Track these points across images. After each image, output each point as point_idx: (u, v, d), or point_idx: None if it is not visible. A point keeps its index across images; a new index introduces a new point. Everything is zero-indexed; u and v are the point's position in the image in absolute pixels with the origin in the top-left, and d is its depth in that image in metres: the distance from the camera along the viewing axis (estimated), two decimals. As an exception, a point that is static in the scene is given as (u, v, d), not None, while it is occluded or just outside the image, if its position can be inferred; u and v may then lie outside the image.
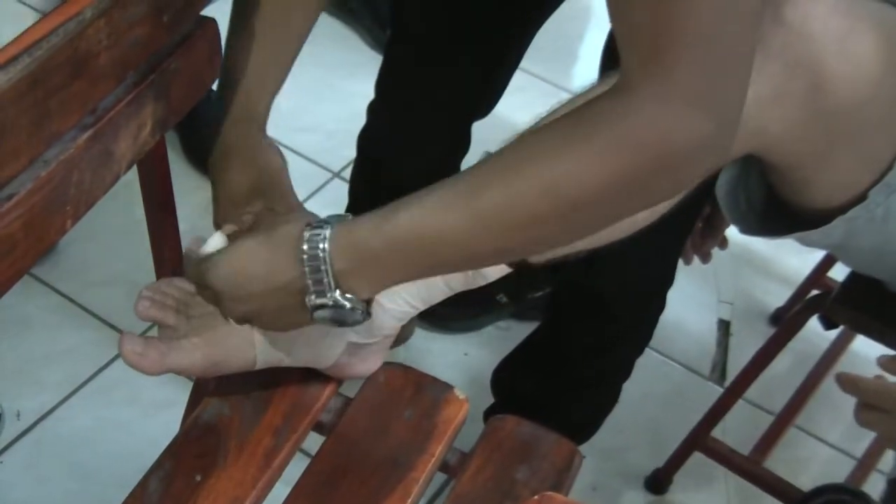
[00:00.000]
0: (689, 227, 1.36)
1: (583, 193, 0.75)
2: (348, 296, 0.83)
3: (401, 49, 1.48)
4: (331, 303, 0.83)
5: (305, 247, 0.82)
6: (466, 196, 0.78)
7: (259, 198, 1.05)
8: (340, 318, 0.84)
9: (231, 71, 1.03)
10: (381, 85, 1.54)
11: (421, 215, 0.79)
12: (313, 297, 0.83)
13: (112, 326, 1.77)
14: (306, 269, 0.82)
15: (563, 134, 0.76)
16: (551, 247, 0.81)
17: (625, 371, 1.53)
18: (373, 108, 1.57)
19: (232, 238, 0.97)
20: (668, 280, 1.40)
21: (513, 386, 1.57)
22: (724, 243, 1.43)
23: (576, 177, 0.75)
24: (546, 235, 0.79)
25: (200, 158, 2.05)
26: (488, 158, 0.79)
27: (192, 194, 1.94)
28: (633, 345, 1.50)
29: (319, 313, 0.84)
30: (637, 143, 0.73)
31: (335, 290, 0.82)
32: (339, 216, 0.84)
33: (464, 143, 1.55)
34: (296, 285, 0.83)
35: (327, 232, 0.82)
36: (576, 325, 1.46)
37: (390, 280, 0.84)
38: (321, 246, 0.81)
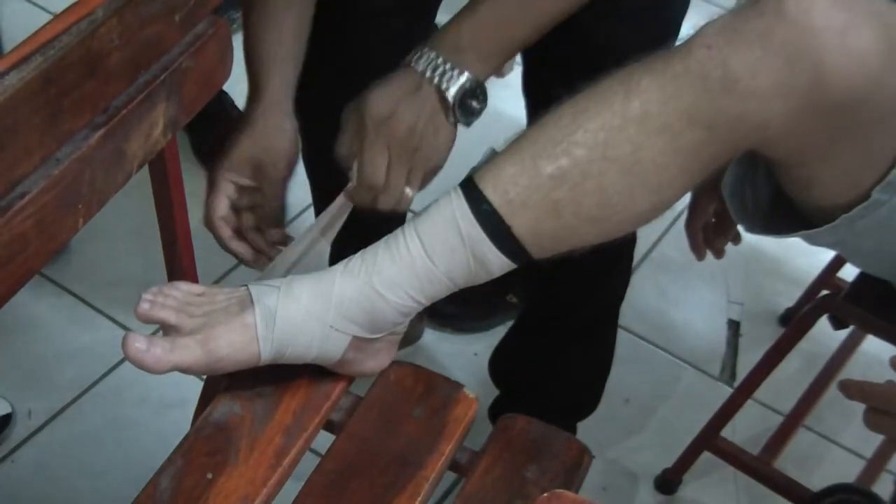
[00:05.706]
0: None
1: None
2: (466, 72, 1.06)
3: None
4: (452, 78, 1.06)
5: (422, 66, 1.06)
6: None
7: (253, 172, 1.17)
8: (467, 102, 1.07)
9: (248, 48, 1.17)
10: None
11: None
12: (438, 80, 1.06)
13: (123, 327, 1.77)
14: (426, 71, 1.06)
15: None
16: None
17: (610, 319, 1.56)
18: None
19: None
20: (630, 238, 1.43)
21: (509, 364, 1.59)
22: (737, 239, 1.42)
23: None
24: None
25: (211, 159, 2.06)
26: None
27: (203, 194, 1.95)
28: (609, 293, 1.54)
29: (451, 94, 1.06)
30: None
31: (452, 69, 1.06)
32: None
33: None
34: (426, 89, 1.06)
35: (430, 46, 1.07)
36: (553, 287, 1.49)
37: (490, 43, 1.08)
38: (429, 54, 1.06)
